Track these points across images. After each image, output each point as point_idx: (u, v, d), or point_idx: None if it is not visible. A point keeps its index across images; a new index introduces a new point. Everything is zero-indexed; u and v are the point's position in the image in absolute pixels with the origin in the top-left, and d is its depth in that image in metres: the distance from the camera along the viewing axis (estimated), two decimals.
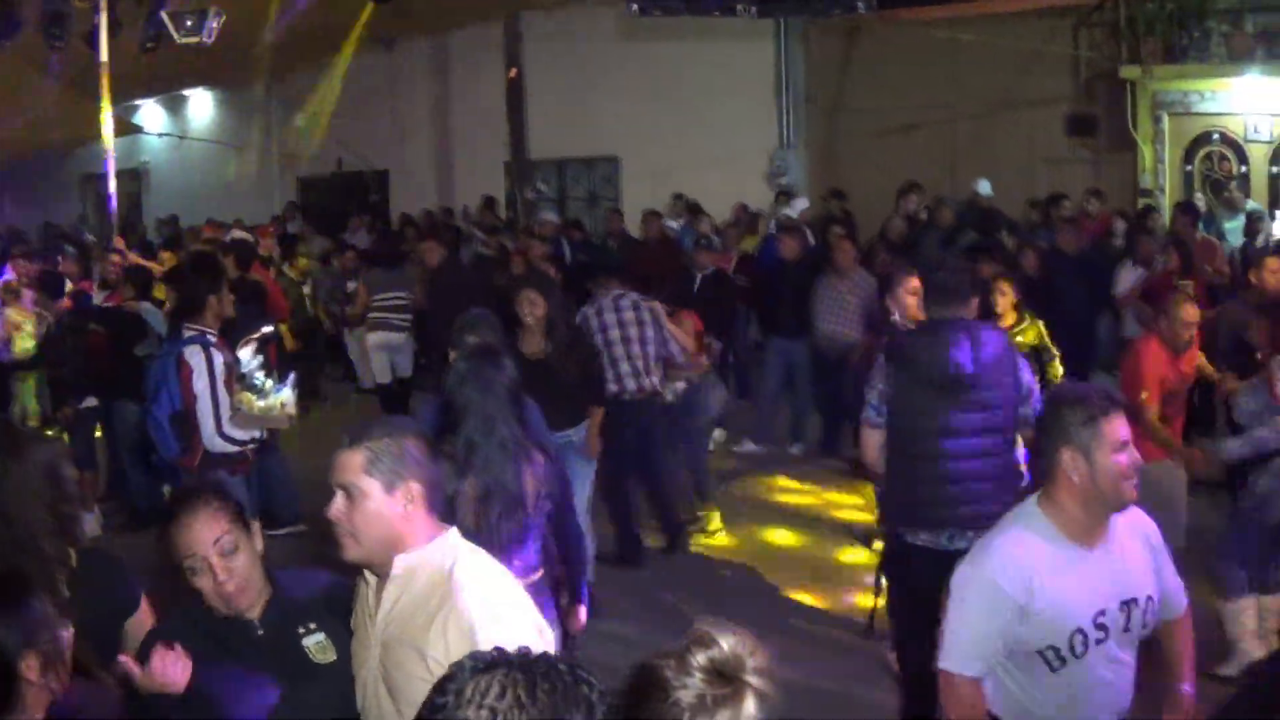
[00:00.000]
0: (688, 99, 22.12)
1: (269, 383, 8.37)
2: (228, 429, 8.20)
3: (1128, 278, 13.11)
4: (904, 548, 6.73)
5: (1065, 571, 4.24)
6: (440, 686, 2.39)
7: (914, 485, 6.67)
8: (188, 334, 8.37)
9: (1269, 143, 18.46)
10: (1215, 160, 18.86)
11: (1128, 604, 4.32)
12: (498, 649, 2.46)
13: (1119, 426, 4.23)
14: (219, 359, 8.24)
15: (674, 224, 18.70)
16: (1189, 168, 18.78)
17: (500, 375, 5.56)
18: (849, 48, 21.53)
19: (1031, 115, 20.04)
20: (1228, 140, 18.73)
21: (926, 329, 6.92)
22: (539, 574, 5.61)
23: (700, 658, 2.61)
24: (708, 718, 2.57)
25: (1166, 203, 17.80)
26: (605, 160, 24.25)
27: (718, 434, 14.11)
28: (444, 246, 15.76)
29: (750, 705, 2.59)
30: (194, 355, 8.18)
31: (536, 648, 3.32)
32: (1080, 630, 4.26)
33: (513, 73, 22.66)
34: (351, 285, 16.57)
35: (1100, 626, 4.28)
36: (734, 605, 9.25)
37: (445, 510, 4.11)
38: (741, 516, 11.54)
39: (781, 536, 11.01)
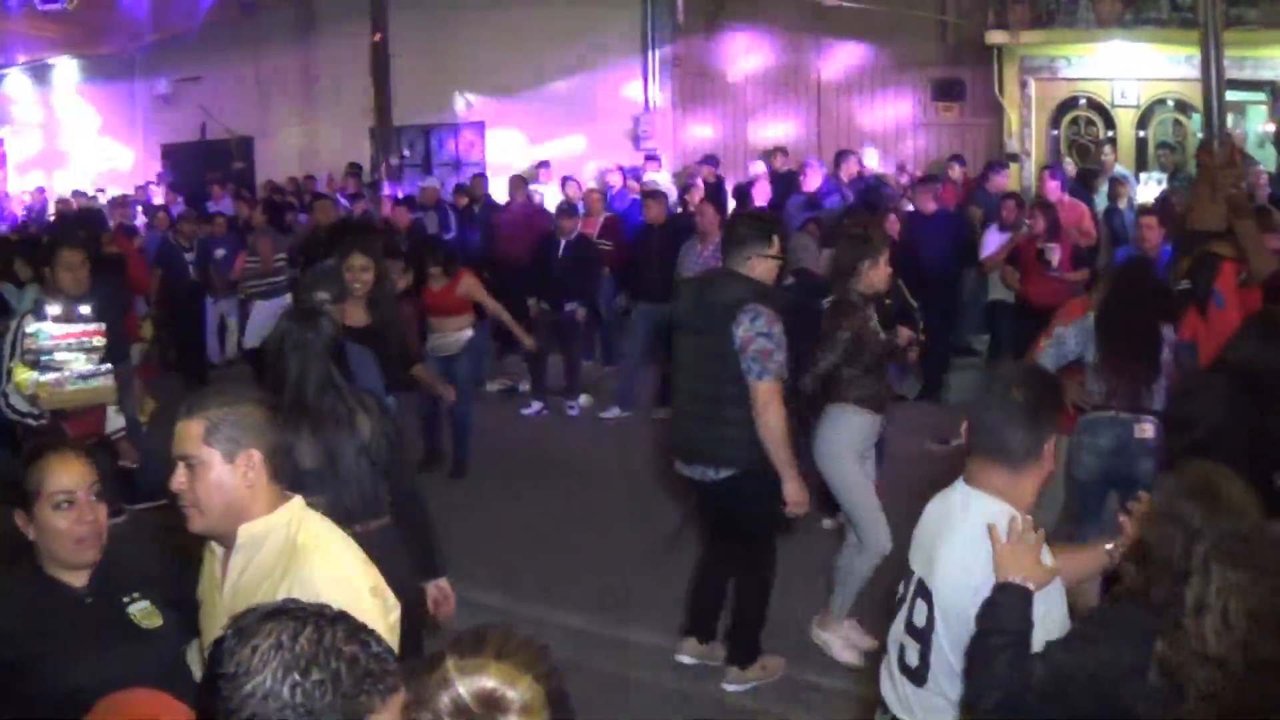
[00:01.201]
0: (553, 62, 21.87)
1: (78, 361, 7.94)
2: (13, 399, 8.02)
3: (993, 240, 13.06)
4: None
5: None
6: (228, 627, 2.33)
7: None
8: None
9: (1135, 107, 18.64)
10: (1082, 125, 19.00)
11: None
12: (290, 600, 2.39)
13: None
14: (27, 327, 7.99)
15: (540, 189, 18.55)
16: (1055, 132, 18.91)
17: (318, 336, 5.48)
18: (715, 10, 21.35)
19: (898, 80, 20.05)
20: (1094, 105, 18.88)
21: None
22: (385, 521, 5.53)
23: (445, 701, 2.49)
24: None
25: (1033, 167, 17.92)
26: (471, 125, 23.91)
27: (584, 399, 13.99)
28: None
29: None
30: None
31: (378, 611, 3.42)
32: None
33: (377, 37, 22.20)
34: (221, 251, 16.28)
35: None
36: (582, 565, 9.23)
37: (291, 475, 4.02)
38: (609, 481, 11.35)
39: (649, 501, 10.75)
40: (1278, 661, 3.21)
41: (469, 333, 11.42)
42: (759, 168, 17.75)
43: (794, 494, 6.66)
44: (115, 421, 8.76)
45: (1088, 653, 3.56)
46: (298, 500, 3.82)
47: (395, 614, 3.72)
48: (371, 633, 2.34)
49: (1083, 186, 15.90)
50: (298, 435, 5.22)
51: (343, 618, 2.34)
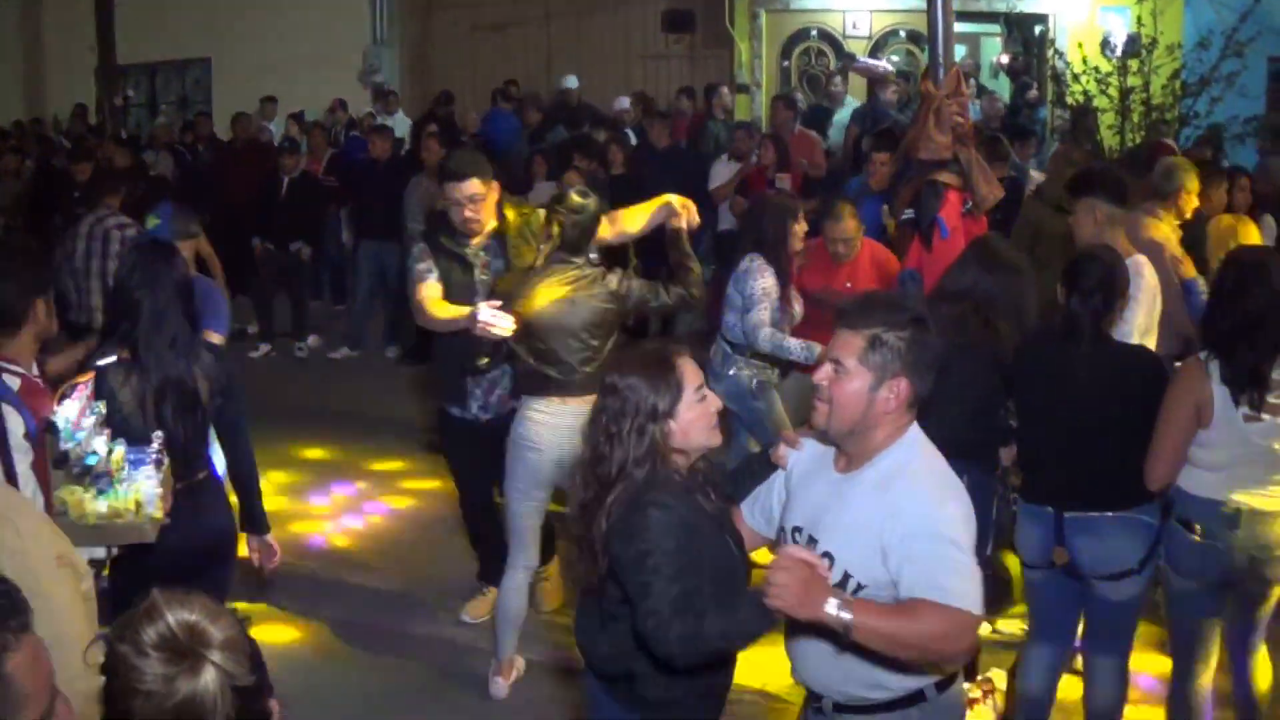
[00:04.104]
0: None
1: (114, 453, 4.63)
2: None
3: (722, 172, 13.00)
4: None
5: None
6: None
7: None
8: None
9: (867, 39, 18.83)
10: (813, 56, 19.13)
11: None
12: None
13: None
14: (22, 424, 4.58)
15: (269, 126, 18.13)
16: (786, 64, 19.00)
17: (171, 270, 5.14)
18: None
19: (628, 11, 20.01)
20: (825, 36, 19.03)
21: None
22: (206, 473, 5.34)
23: (150, 633, 2.50)
24: (168, 697, 2.48)
25: (764, 98, 17.94)
26: (197, 63, 23.13)
27: (312, 340, 13.70)
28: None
29: (208, 677, 2.49)
30: None
31: (66, 578, 3.48)
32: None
33: None
34: None
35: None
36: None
37: None
38: (341, 424, 11.09)
39: (379, 442, 10.53)
40: None
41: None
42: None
43: None
44: None
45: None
46: None
47: (88, 581, 3.65)
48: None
49: (818, 119, 15.99)
50: (140, 367, 4.98)
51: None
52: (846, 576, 3.62)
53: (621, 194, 9.81)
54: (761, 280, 7.46)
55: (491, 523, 7.07)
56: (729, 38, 18.61)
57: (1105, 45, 16.98)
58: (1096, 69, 16.44)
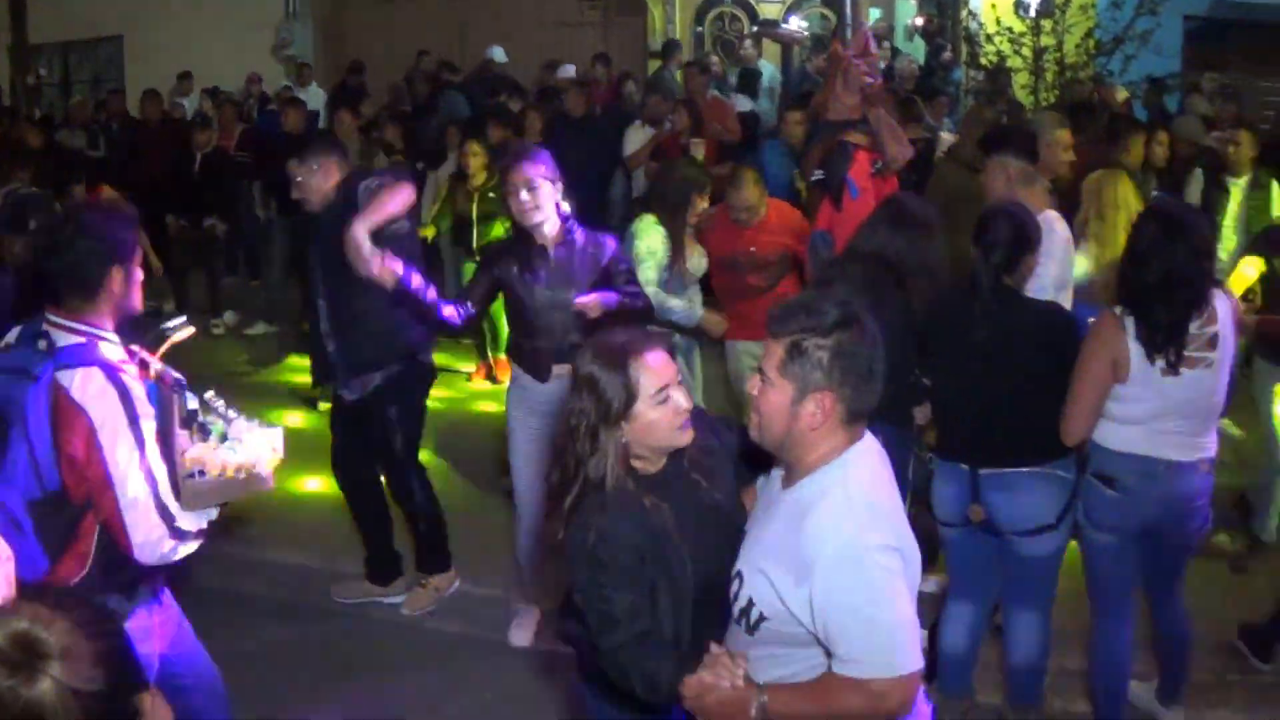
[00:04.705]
0: None
1: (225, 414, 4.41)
2: (183, 520, 4.20)
3: (637, 138, 12.92)
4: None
5: None
6: None
7: None
8: (62, 338, 4.19)
9: (780, 3, 18.80)
10: (726, 21, 19.09)
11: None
12: None
13: None
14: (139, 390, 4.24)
15: (183, 102, 18.03)
16: (700, 29, 18.94)
17: None
18: None
19: None
20: (739, 1, 18.97)
21: None
22: None
23: None
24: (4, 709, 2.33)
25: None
26: (109, 40, 22.77)
27: (228, 316, 13.57)
28: None
29: (44, 686, 2.31)
30: (94, 387, 4.10)
31: None
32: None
33: None
34: None
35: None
36: None
37: None
38: (259, 398, 10.84)
39: (293, 418, 10.43)
40: None
41: None
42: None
43: None
44: None
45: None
46: None
47: None
48: None
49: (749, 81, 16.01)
50: None
51: None
52: (750, 604, 3.40)
53: None
54: (648, 240, 7.39)
55: (369, 502, 7.13)
56: (642, 4, 18.56)
57: (1019, 5, 17.04)
58: (1010, 29, 16.49)
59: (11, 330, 4.31)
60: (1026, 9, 16.86)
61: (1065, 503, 5.36)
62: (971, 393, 5.38)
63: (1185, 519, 5.33)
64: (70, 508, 4.05)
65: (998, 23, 16.57)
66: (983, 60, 16.71)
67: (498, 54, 17.19)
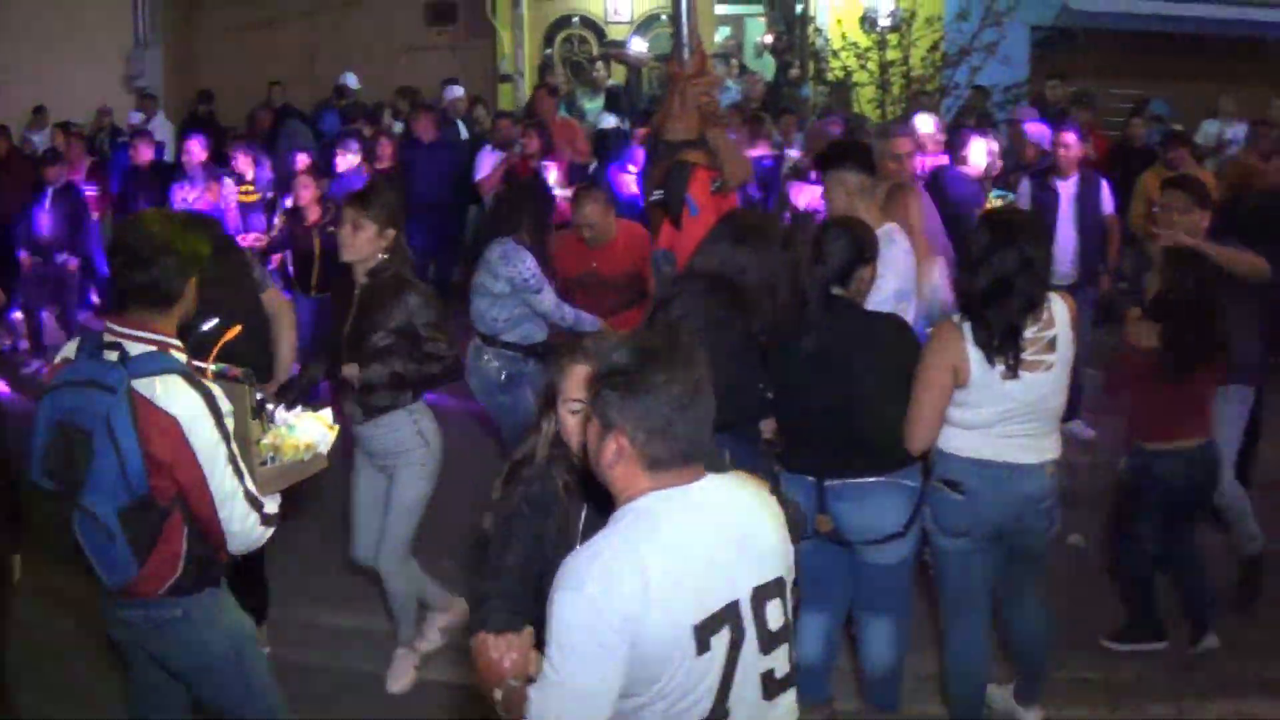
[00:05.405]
0: None
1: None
2: (269, 505, 4.54)
3: (488, 161, 12.89)
4: None
5: None
6: None
7: None
8: (135, 346, 4.33)
9: (629, 23, 18.92)
10: (575, 43, 19.16)
11: None
12: None
13: None
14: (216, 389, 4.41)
15: (34, 137, 17.56)
16: (549, 51, 19.00)
17: None
18: None
19: (390, 4, 19.87)
20: (588, 23, 19.08)
21: None
22: None
23: None
24: None
25: (526, 86, 17.94)
26: None
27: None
28: None
29: None
30: (178, 391, 4.29)
31: None
32: None
33: None
34: None
35: None
36: None
37: None
38: None
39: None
40: None
41: None
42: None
43: None
44: None
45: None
46: None
47: None
48: None
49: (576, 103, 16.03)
50: None
51: None
52: None
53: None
54: (529, 262, 7.41)
55: None
56: (491, 27, 18.56)
57: (865, 21, 17.24)
58: (855, 44, 16.64)
59: (67, 344, 4.57)
60: (873, 24, 17.05)
61: (912, 510, 5.40)
62: (812, 405, 5.40)
63: (1033, 521, 5.41)
64: (157, 510, 4.29)
65: (844, 38, 16.70)
66: (829, 76, 16.84)
67: (350, 80, 17.10)
